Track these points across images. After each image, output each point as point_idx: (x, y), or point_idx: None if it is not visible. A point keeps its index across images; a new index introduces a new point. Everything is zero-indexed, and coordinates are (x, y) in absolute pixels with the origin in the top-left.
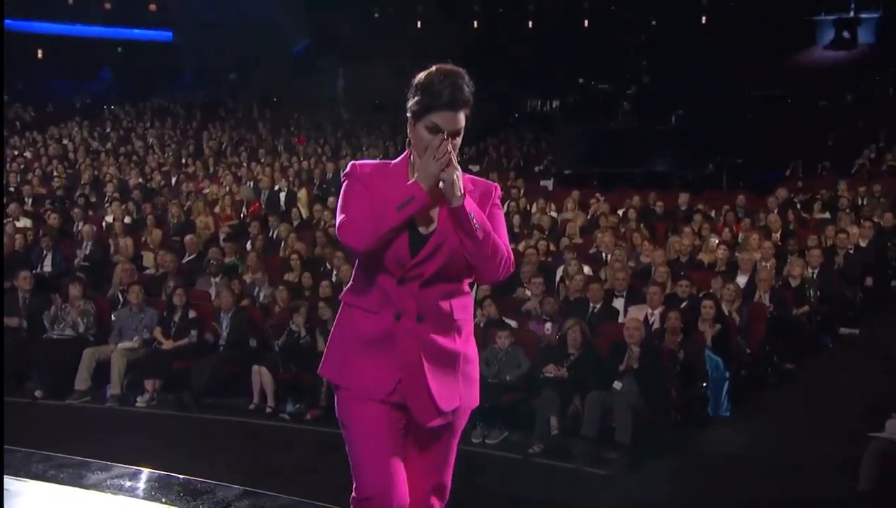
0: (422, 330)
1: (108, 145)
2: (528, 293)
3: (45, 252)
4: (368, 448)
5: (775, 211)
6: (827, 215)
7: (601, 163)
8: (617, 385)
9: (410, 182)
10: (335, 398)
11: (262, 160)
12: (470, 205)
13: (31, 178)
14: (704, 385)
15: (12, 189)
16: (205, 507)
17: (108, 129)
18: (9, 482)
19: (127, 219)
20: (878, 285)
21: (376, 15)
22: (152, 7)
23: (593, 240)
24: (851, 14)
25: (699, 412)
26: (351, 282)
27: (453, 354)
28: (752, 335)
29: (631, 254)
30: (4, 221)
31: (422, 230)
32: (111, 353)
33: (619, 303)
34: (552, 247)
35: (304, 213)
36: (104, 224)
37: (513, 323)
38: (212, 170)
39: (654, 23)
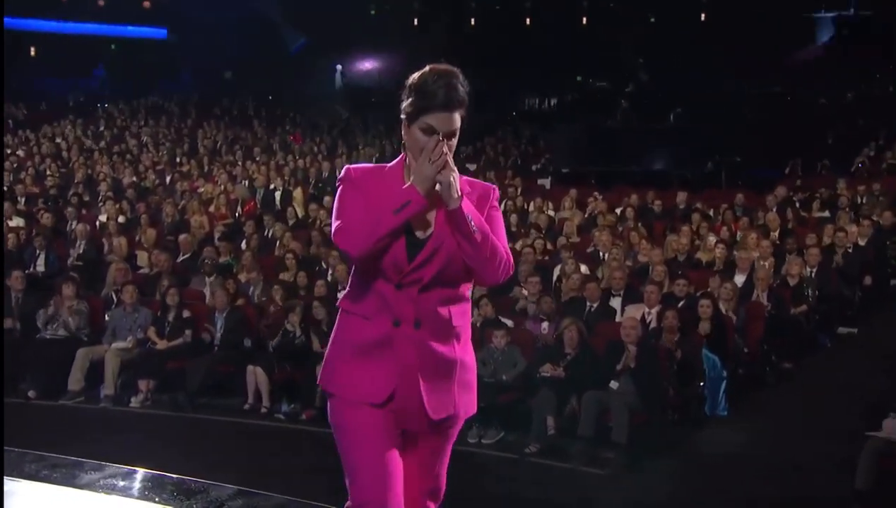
0: (420, 337)
1: (102, 144)
2: (525, 292)
3: (38, 251)
4: (363, 454)
5: (774, 209)
6: (826, 214)
7: (599, 162)
8: (614, 384)
9: (406, 185)
10: (328, 403)
11: (258, 159)
12: (467, 208)
13: (23, 177)
14: (702, 384)
15: (5, 188)
16: (198, 506)
17: (102, 128)
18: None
19: (121, 219)
20: (877, 284)
21: (372, 12)
22: (146, 4)
23: (591, 239)
24: (851, 11)
25: (696, 411)
26: (348, 288)
27: (450, 362)
28: (749, 334)
29: (628, 253)
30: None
31: (419, 234)
32: (105, 353)
33: (616, 303)
34: (549, 246)
35: (300, 212)
36: (98, 223)
37: (509, 323)
38: (206, 168)
39: (652, 20)
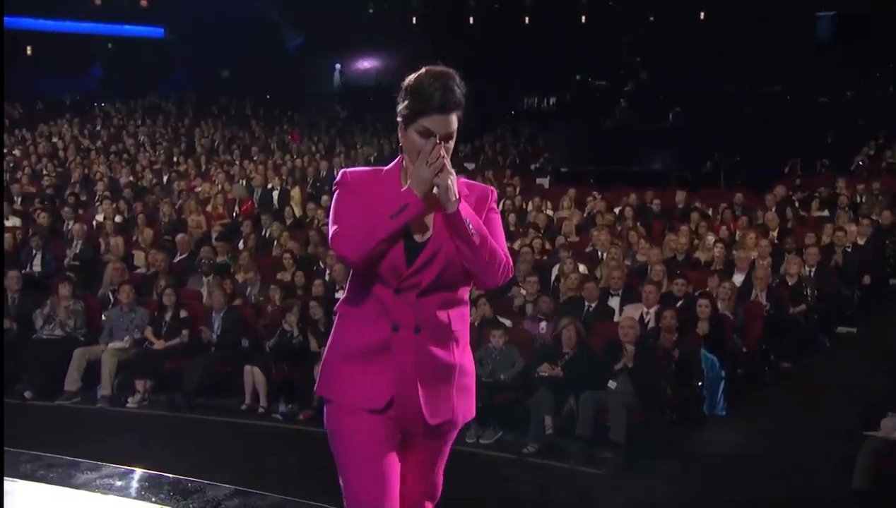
0: (419, 342)
1: (99, 143)
2: (523, 292)
3: (34, 251)
4: (360, 461)
5: (773, 209)
6: (825, 213)
7: (598, 161)
8: (612, 384)
9: (403, 189)
10: (325, 409)
11: (255, 158)
12: (466, 211)
13: (20, 177)
14: (700, 384)
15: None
16: (195, 506)
17: (99, 127)
18: None
19: (118, 218)
20: (876, 283)
21: (371, 10)
22: (143, 3)
23: (589, 239)
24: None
25: (695, 411)
26: (345, 293)
27: (450, 366)
28: (748, 334)
29: (627, 252)
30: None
31: (417, 238)
32: (101, 353)
33: (614, 302)
34: (547, 246)
35: (298, 212)
36: (95, 223)
37: (507, 322)
38: (204, 168)
39: (652, 19)
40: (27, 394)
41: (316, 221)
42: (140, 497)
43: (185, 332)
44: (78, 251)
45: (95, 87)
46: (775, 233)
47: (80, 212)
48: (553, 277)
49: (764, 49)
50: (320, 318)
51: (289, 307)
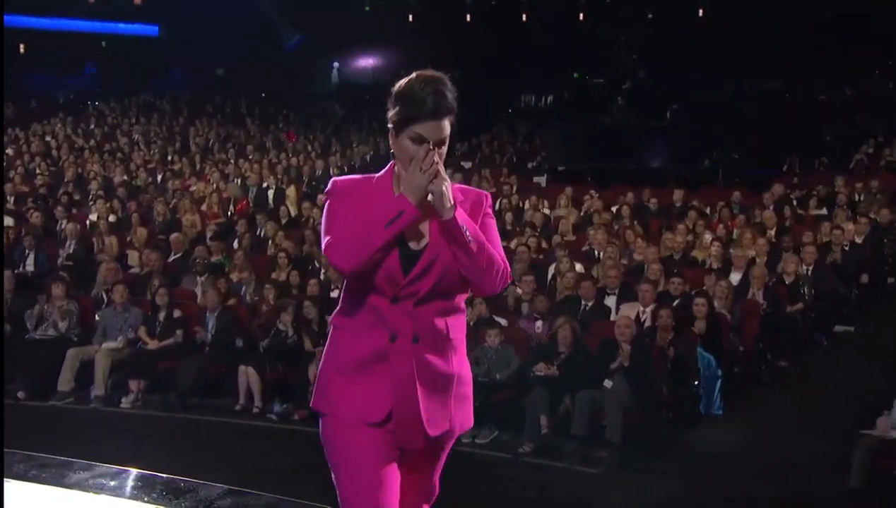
0: (417, 351)
1: (93, 142)
2: (519, 291)
3: (27, 251)
4: (359, 475)
5: (771, 207)
6: (823, 211)
7: (595, 160)
8: (607, 383)
9: (397, 196)
10: (320, 423)
11: (250, 157)
12: (462, 217)
13: (13, 176)
14: (696, 383)
15: None
16: (187, 505)
17: (93, 126)
18: None
19: (111, 218)
20: (874, 282)
21: (367, 8)
22: (137, 1)
23: (586, 238)
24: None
25: (691, 410)
26: (340, 305)
27: (448, 376)
28: (745, 332)
29: (624, 251)
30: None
31: (412, 246)
32: (95, 353)
33: (611, 301)
34: (544, 245)
35: (293, 211)
36: (88, 222)
37: (503, 322)
38: (198, 167)
39: (650, 17)
40: (20, 394)
41: (311, 220)
42: (133, 496)
43: (178, 332)
44: (71, 251)
45: (89, 86)
46: (773, 232)
47: (74, 211)
48: (549, 276)
49: (762, 47)
50: (314, 318)
51: (283, 307)
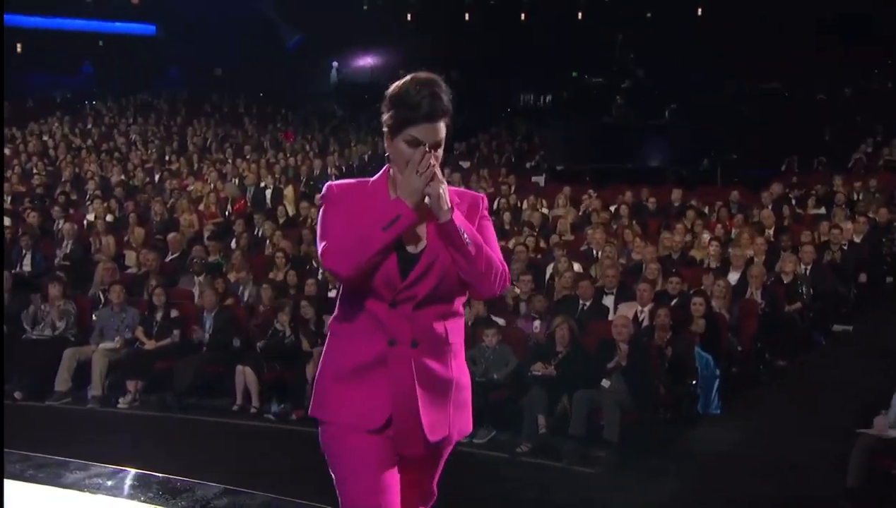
0: (416, 356)
1: (90, 141)
2: (517, 290)
3: (24, 251)
4: (360, 482)
5: (769, 206)
6: (822, 211)
7: (594, 159)
8: (605, 383)
9: (394, 199)
10: (320, 431)
11: (248, 156)
12: (459, 220)
13: (9, 176)
14: (694, 382)
15: None
16: (184, 505)
17: (90, 125)
18: None
19: (109, 218)
20: (873, 281)
21: (365, 7)
22: (134, 0)
23: (584, 237)
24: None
25: (689, 410)
26: (337, 311)
27: (447, 381)
28: (743, 332)
29: (622, 250)
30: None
31: (410, 249)
32: (92, 354)
33: (609, 301)
34: (542, 244)
35: (291, 211)
36: (85, 222)
37: (501, 321)
38: (196, 166)
39: (649, 16)
40: (17, 395)
41: (309, 220)
42: (129, 496)
43: (176, 332)
44: (68, 251)
45: (86, 85)
46: (771, 231)
47: (71, 211)
48: (548, 276)
49: (762, 47)
50: (311, 318)
51: (280, 306)
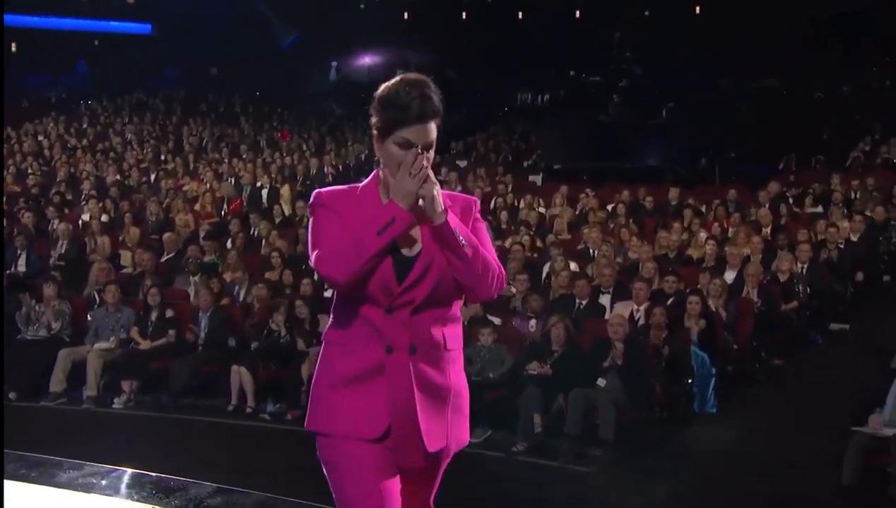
0: (414, 363)
1: (85, 141)
2: (514, 289)
3: (19, 251)
4: (361, 493)
5: (766, 205)
6: (819, 209)
7: (592, 158)
8: (601, 382)
9: (387, 202)
10: (317, 442)
11: (244, 156)
12: (454, 221)
13: (4, 176)
14: (690, 381)
15: None
16: (177, 504)
17: (85, 125)
18: None
19: (104, 218)
20: (870, 280)
21: (362, 6)
22: None
23: (581, 236)
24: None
25: (685, 408)
26: (331, 319)
27: (445, 389)
28: (739, 331)
29: (619, 249)
30: None
31: (405, 253)
32: (87, 354)
33: (605, 300)
34: (539, 244)
35: (287, 210)
36: (80, 222)
37: (497, 320)
38: (192, 166)
39: (647, 14)
40: (12, 395)
41: (305, 219)
42: (122, 495)
43: (171, 332)
44: (63, 251)
45: (81, 85)
46: (768, 230)
47: (66, 211)
48: (544, 275)
49: (760, 45)
50: (306, 317)
51: (276, 306)
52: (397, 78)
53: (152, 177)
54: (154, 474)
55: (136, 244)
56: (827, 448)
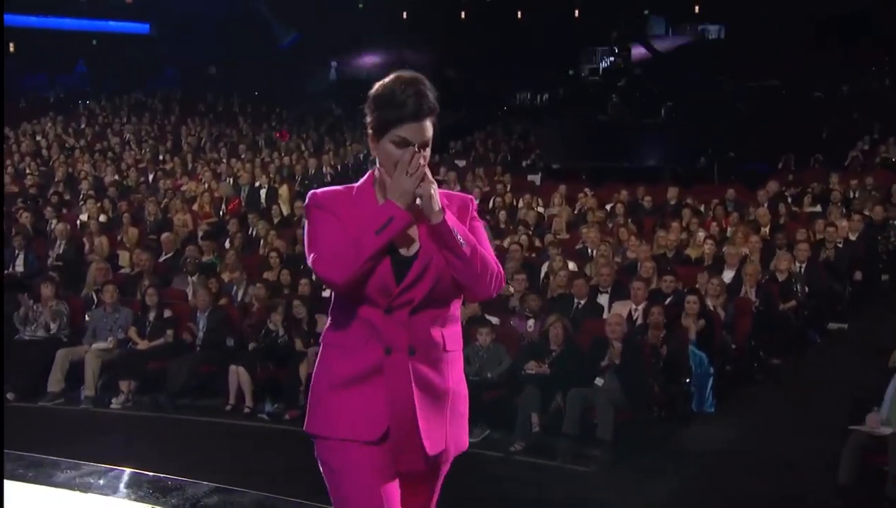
0: (413, 364)
1: (83, 141)
2: (512, 289)
3: (17, 251)
4: (360, 496)
5: (765, 204)
6: (817, 208)
7: (590, 158)
8: (599, 381)
9: (384, 202)
10: (315, 445)
11: (243, 156)
12: (452, 220)
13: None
14: (688, 381)
15: None
16: (174, 503)
17: (83, 125)
18: None
19: (102, 218)
20: (868, 279)
21: (360, 5)
22: None
23: (579, 236)
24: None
25: (683, 408)
26: (329, 321)
27: (445, 391)
28: (737, 330)
29: (617, 249)
30: None
31: (403, 252)
32: (85, 354)
33: (603, 299)
34: (538, 243)
35: (285, 210)
36: (78, 222)
37: (495, 320)
38: (190, 166)
39: (646, 13)
40: (9, 396)
41: (303, 220)
42: (119, 495)
43: (169, 332)
44: (61, 251)
45: (80, 85)
46: (767, 229)
47: (64, 211)
48: (542, 274)
49: (759, 44)
50: (304, 317)
51: (273, 306)
52: (392, 76)
53: (150, 177)
54: (151, 473)
55: (134, 244)
56: (825, 447)
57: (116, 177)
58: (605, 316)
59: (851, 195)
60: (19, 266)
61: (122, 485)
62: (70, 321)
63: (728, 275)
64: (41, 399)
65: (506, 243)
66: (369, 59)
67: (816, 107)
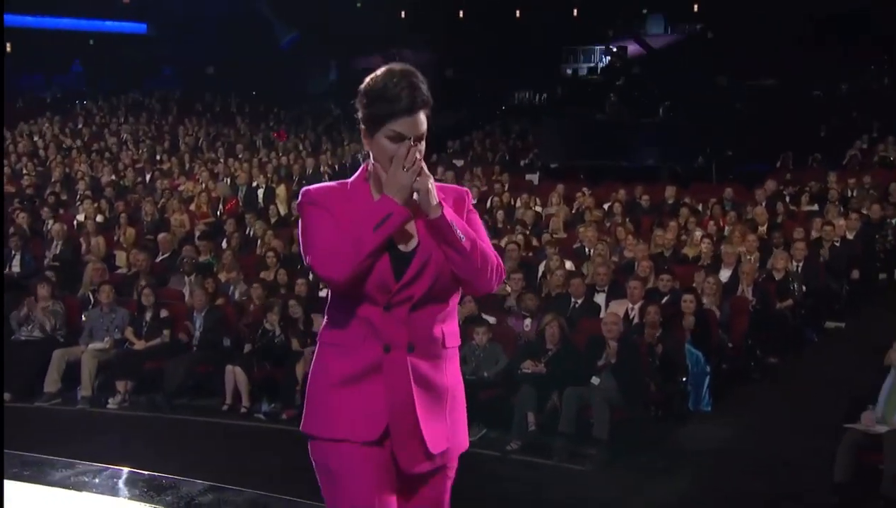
0: (412, 362)
1: (80, 141)
2: (508, 288)
3: (13, 252)
4: (357, 499)
5: (763, 203)
6: (815, 207)
7: (588, 157)
8: (595, 380)
9: (381, 197)
10: (310, 446)
11: (240, 156)
12: (450, 214)
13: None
14: (685, 379)
15: None
16: (169, 502)
17: (80, 125)
18: None
19: (99, 218)
20: (865, 278)
21: (358, 5)
22: None
23: (577, 235)
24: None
25: (679, 407)
26: (326, 320)
27: (444, 388)
28: (733, 329)
29: (615, 248)
30: None
31: (402, 248)
32: (82, 354)
33: (600, 299)
34: (535, 243)
35: (283, 210)
36: (75, 223)
37: (491, 319)
38: (187, 166)
39: (644, 12)
40: (6, 396)
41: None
42: (114, 493)
43: (165, 332)
44: (58, 251)
45: (77, 85)
46: (764, 228)
47: (61, 211)
48: (539, 274)
49: (758, 43)
50: (300, 317)
51: (270, 306)
52: (383, 69)
53: (147, 177)
54: (145, 472)
55: (131, 244)
56: (822, 446)
57: (113, 177)
58: (601, 315)
59: (849, 194)
60: (16, 266)
61: (117, 484)
62: (67, 321)
63: (725, 274)
64: (38, 399)
65: (503, 242)
66: (367, 59)
67: (815, 106)
